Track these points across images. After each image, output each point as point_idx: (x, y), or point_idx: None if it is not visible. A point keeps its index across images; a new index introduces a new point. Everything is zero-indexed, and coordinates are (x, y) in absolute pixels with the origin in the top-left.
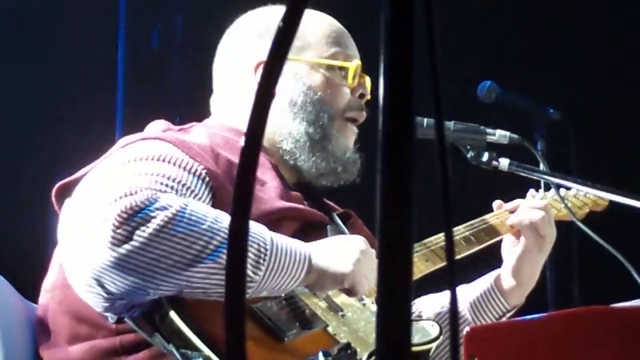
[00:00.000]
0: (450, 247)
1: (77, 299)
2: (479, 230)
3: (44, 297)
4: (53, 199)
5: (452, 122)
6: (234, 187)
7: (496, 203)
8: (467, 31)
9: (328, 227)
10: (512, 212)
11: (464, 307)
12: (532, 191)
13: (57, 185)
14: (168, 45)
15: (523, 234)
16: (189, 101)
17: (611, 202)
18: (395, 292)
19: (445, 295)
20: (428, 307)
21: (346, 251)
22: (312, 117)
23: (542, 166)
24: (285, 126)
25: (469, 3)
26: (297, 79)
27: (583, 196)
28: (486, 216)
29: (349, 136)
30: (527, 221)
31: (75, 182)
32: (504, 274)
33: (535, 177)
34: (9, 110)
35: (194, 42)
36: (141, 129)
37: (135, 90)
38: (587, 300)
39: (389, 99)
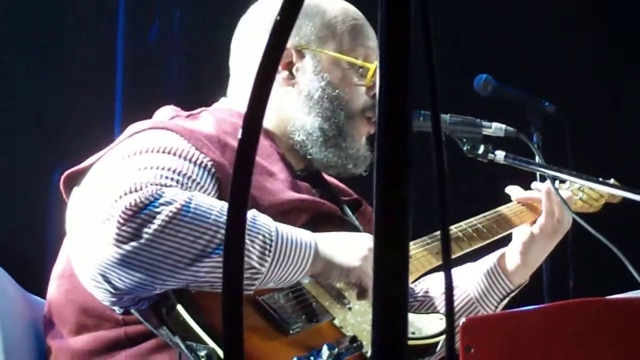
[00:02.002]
0: (445, 235)
1: (84, 289)
2: (491, 222)
3: (51, 285)
4: (61, 187)
5: (448, 114)
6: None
7: (513, 191)
8: (463, 24)
9: (341, 218)
10: (525, 204)
11: (470, 289)
12: (548, 182)
13: (65, 174)
14: (166, 40)
15: (543, 213)
16: (187, 95)
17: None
18: (391, 286)
19: (455, 276)
20: (435, 287)
21: (354, 246)
22: (328, 113)
23: (537, 159)
24: (300, 118)
25: None
26: (316, 72)
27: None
28: (500, 208)
29: (363, 134)
30: (551, 201)
31: (83, 170)
32: (511, 253)
33: (530, 170)
34: (8, 105)
35: (192, 37)
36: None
37: (134, 84)
38: (582, 291)
39: (386, 92)
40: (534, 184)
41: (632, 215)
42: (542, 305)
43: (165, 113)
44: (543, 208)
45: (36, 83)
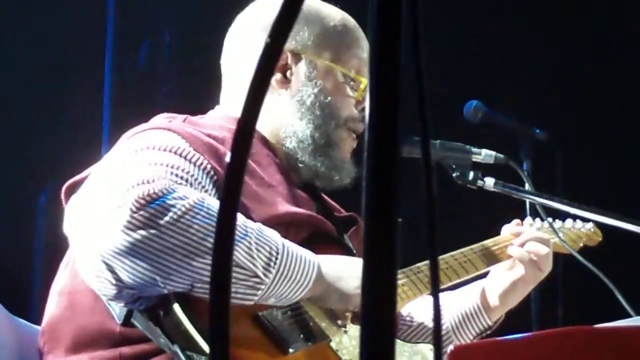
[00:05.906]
0: (434, 266)
1: (83, 306)
2: (477, 256)
3: (51, 301)
4: (62, 197)
5: (438, 141)
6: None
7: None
8: (454, 50)
9: (335, 237)
10: (515, 236)
11: (447, 319)
12: (529, 219)
13: (66, 184)
14: (155, 62)
15: (524, 266)
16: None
17: (596, 223)
18: (379, 309)
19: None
20: (419, 313)
21: (354, 273)
22: (319, 121)
23: (527, 186)
24: (292, 124)
25: (455, 23)
26: (310, 78)
27: (578, 230)
28: (486, 241)
29: (349, 146)
30: (532, 255)
31: (84, 180)
32: (491, 293)
33: (520, 197)
34: None
35: (181, 59)
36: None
37: (122, 106)
38: (571, 320)
39: (375, 118)
40: (526, 220)
41: (621, 244)
42: (531, 334)
43: (162, 119)
44: (522, 262)
45: (23, 103)
